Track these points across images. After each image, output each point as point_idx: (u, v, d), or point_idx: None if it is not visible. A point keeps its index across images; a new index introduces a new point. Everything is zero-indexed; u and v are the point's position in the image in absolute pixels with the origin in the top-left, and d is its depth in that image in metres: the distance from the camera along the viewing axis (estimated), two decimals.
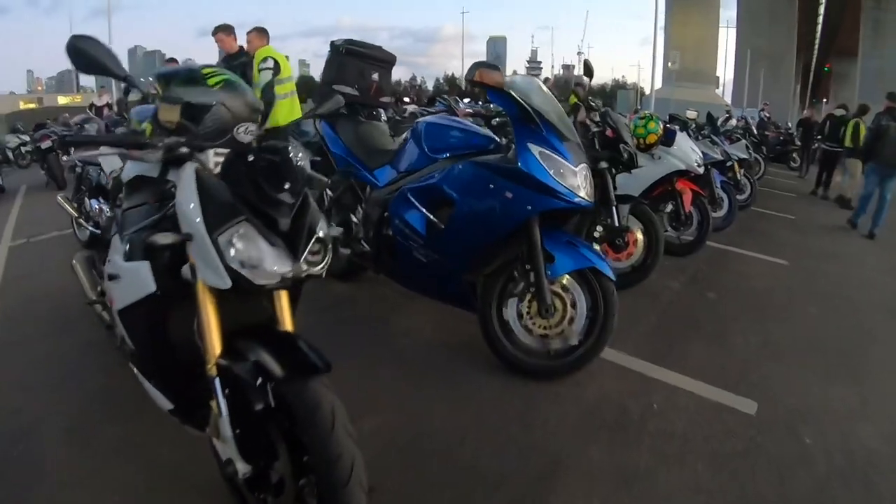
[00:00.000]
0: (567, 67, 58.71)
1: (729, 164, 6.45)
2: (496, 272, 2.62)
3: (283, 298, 1.48)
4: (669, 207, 4.69)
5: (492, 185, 2.50)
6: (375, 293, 3.52)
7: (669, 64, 17.79)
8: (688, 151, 4.53)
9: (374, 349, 2.79)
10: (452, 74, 47.23)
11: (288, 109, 5.07)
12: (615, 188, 3.83)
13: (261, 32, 5.24)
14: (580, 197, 2.43)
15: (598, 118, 3.80)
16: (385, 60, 3.97)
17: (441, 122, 2.96)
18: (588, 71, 3.77)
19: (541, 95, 2.57)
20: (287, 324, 1.48)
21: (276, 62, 4.94)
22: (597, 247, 3.84)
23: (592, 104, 3.93)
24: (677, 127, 4.69)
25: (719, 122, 8.17)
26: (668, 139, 4.54)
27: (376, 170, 3.18)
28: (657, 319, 3.37)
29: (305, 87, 8.00)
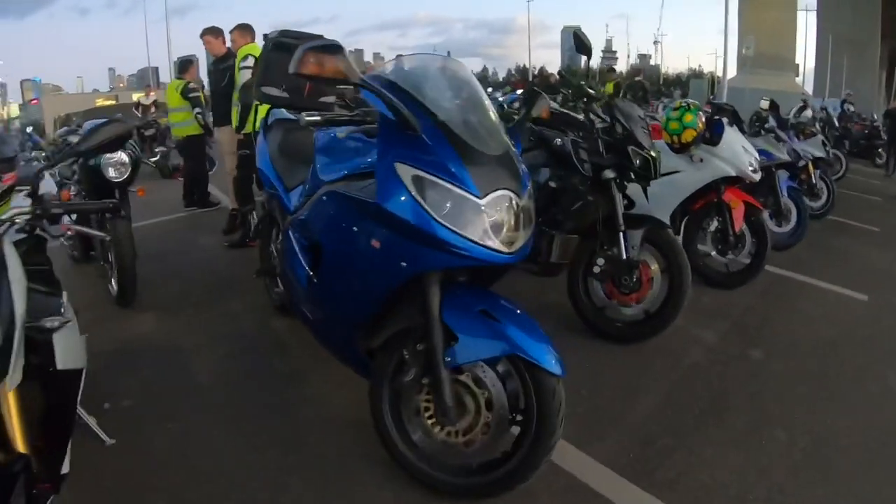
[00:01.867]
0: (643, 57, 56.20)
1: (801, 164, 5.27)
2: (385, 347, 1.81)
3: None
4: (714, 225, 3.66)
5: (355, 228, 1.71)
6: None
7: (744, 50, 16.08)
8: (738, 152, 3.49)
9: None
10: (523, 66, 46.50)
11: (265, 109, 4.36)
12: (632, 204, 2.90)
13: (244, 30, 4.71)
14: (488, 248, 1.54)
15: (602, 110, 2.87)
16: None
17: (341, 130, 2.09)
18: (582, 47, 2.82)
19: (442, 83, 1.74)
20: None
21: (256, 59, 4.31)
22: (598, 287, 2.92)
23: (591, 91, 2.98)
24: (725, 120, 3.62)
25: (791, 114, 6.84)
26: (712, 136, 3.52)
27: (291, 191, 2.43)
28: (661, 402, 2.37)
29: None
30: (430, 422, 1.76)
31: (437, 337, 1.63)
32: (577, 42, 2.81)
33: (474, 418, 1.70)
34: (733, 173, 3.49)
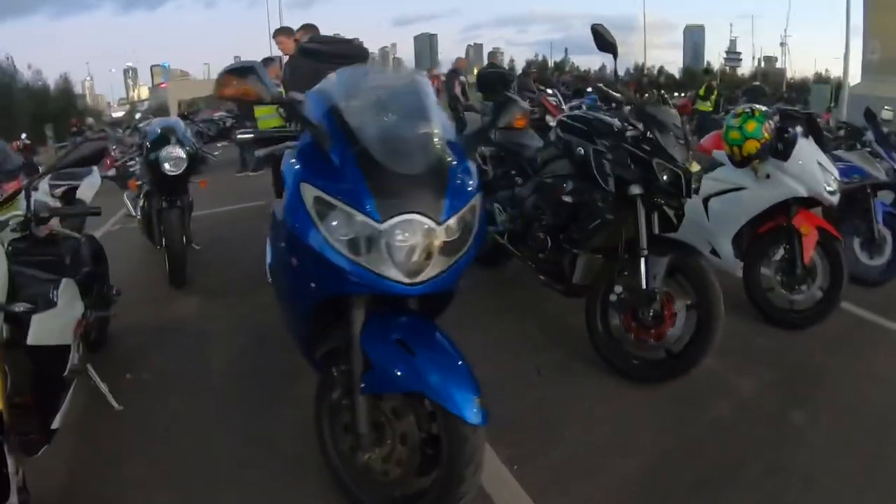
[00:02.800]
0: (768, 59, 51.94)
1: None
2: (325, 360, 1.77)
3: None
4: (781, 253, 3.12)
5: (282, 243, 1.68)
6: None
7: (869, 54, 14.26)
8: (812, 169, 2.95)
9: None
10: (642, 64, 44.84)
11: None
12: (669, 226, 2.54)
13: (307, 29, 4.82)
14: (386, 277, 1.42)
15: (633, 116, 2.50)
16: (350, 56, 3.35)
17: None
18: (604, 44, 2.46)
19: (382, 97, 1.65)
20: None
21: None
22: (615, 320, 2.57)
23: (617, 95, 2.62)
24: (798, 130, 3.07)
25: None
26: (783, 148, 2.99)
27: None
28: (654, 462, 2.03)
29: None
30: (351, 444, 1.70)
31: (355, 361, 1.56)
32: (598, 39, 2.45)
33: (391, 449, 1.63)
34: (805, 194, 2.95)
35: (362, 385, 1.55)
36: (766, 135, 2.93)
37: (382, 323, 1.58)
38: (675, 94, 12.87)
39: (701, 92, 11.31)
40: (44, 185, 2.69)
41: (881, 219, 3.75)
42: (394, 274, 1.41)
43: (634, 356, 2.54)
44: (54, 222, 2.44)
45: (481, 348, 2.82)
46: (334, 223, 1.42)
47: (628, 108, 2.56)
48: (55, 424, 1.89)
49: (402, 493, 1.68)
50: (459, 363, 1.52)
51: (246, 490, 1.98)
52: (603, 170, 2.48)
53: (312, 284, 1.56)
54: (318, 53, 3.53)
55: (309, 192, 1.46)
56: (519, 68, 44.08)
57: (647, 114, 2.44)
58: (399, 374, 1.49)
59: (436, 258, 1.44)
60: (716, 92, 11.03)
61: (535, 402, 2.42)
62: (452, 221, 1.46)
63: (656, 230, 2.52)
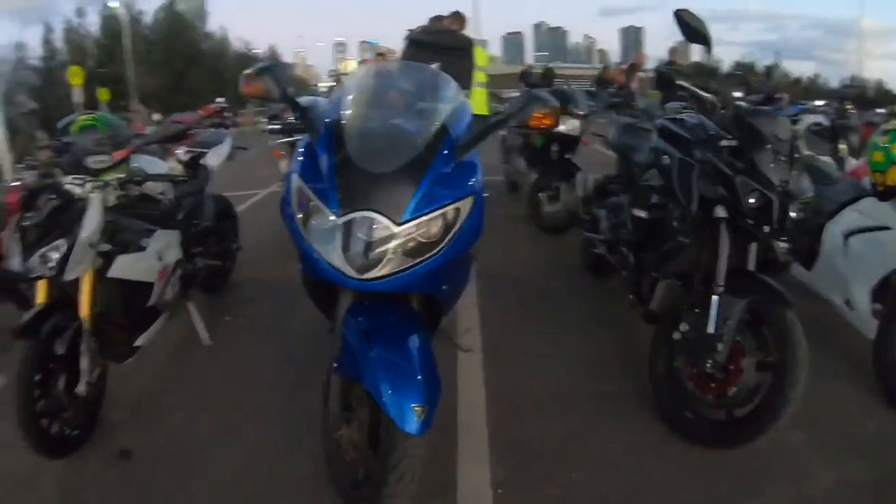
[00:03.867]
0: None
1: None
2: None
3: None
4: None
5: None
6: None
7: None
8: None
9: None
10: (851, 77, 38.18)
11: (477, 102, 4.55)
12: (769, 262, 2.22)
13: (455, 17, 4.90)
14: (335, 267, 1.47)
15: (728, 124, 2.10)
16: (453, 47, 3.52)
17: None
18: (692, 32, 2.11)
19: (386, 95, 1.75)
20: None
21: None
22: (678, 362, 2.22)
23: (707, 96, 2.20)
24: None
25: None
26: None
27: None
28: None
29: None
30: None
31: (336, 341, 1.62)
32: (684, 27, 2.09)
33: (353, 432, 1.64)
34: None
35: (335, 365, 1.61)
36: None
37: (366, 311, 1.58)
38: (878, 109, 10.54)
39: None
40: (147, 154, 3.08)
41: None
42: (344, 267, 1.45)
43: (690, 409, 2.17)
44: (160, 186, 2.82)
45: (540, 360, 2.79)
46: (306, 212, 1.54)
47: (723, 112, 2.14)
48: (138, 342, 2.38)
49: (364, 476, 1.67)
50: (414, 368, 1.48)
51: (282, 425, 2.23)
52: (686, 184, 2.15)
53: (300, 266, 1.71)
54: (421, 44, 3.70)
55: (295, 183, 1.59)
56: (726, 69, 39.81)
57: (744, 121, 2.04)
58: (354, 365, 1.51)
59: (391, 257, 1.45)
60: None
61: (562, 431, 2.23)
62: (415, 223, 1.46)
63: (751, 265, 2.13)
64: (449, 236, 1.50)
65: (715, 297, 2.03)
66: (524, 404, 2.39)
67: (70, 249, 2.03)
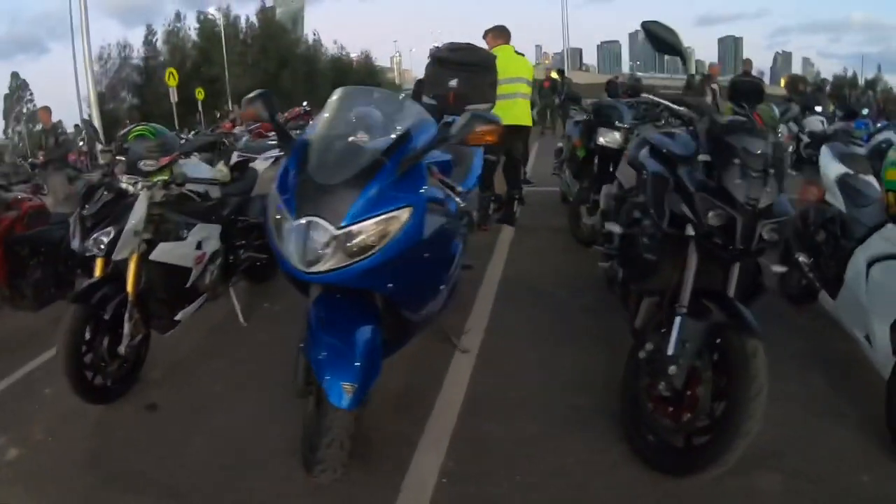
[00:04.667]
0: None
1: None
2: None
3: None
4: None
5: None
6: None
7: None
8: None
9: None
10: None
11: (505, 111, 4.66)
12: (752, 285, 2.16)
13: (497, 32, 5.07)
14: (290, 262, 1.75)
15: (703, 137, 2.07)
16: (472, 63, 3.63)
17: None
18: (659, 43, 2.10)
19: (350, 115, 1.98)
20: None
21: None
22: (643, 382, 2.16)
23: (681, 109, 2.20)
24: None
25: None
26: None
27: None
28: None
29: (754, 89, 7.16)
30: None
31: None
32: (653, 39, 2.07)
33: (312, 405, 1.88)
34: None
35: (301, 345, 1.82)
36: None
37: (327, 301, 1.85)
38: None
39: None
40: (193, 158, 3.66)
41: None
42: (296, 262, 1.71)
43: (653, 432, 2.09)
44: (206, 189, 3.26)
45: (528, 367, 2.86)
46: (275, 216, 1.81)
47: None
48: (178, 317, 2.81)
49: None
50: (354, 353, 1.70)
51: (287, 395, 2.21)
52: (659, 200, 2.10)
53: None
54: (443, 60, 3.78)
55: (272, 194, 1.87)
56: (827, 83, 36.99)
57: (714, 134, 1.97)
58: (305, 343, 1.77)
59: (332, 255, 1.69)
60: None
61: (523, 435, 2.28)
62: (353, 227, 1.69)
63: (731, 288, 2.04)
64: (385, 240, 1.71)
65: (678, 318, 1.96)
66: (498, 406, 2.48)
67: (118, 235, 2.46)
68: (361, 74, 38.30)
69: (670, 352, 1.95)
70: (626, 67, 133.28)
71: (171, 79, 19.90)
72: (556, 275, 4.21)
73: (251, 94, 2.09)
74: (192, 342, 3.15)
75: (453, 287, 2.43)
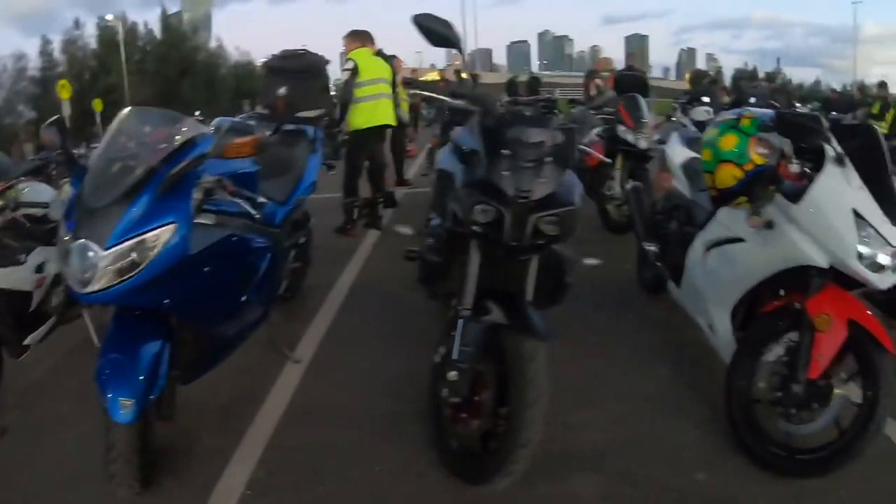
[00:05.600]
0: None
1: None
2: None
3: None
4: (779, 351, 2.03)
5: None
6: None
7: None
8: (839, 223, 1.87)
9: None
10: (862, 81, 38.08)
11: (368, 113, 4.89)
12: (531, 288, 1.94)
13: (354, 35, 5.16)
14: (70, 280, 1.81)
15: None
16: (300, 70, 3.67)
17: None
18: (434, 36, 1.90)
19: (120, 135, 1.98)
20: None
21: (355, 64, 4.84)
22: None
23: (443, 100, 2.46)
24: (831, 152, 1.93)
25: None
26: (793, 185, 1.96)
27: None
28: None
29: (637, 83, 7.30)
30: None
31: None
32: (426, 33, 1.85)
33: None
34: (821, 263, 1.90)
35: None
36: (754, 157, 1.95)
37: (120, 320, 1.91)
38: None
39: (874, 110, 8.93)
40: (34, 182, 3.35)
41: None
42: (73, 283, 1.75)
43: (455, 437, 1.97)
44: None
45: (357, 376, 2.76)
46: (64, 239, 1.79)
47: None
48: (27, 342, 2.60)
49: None
50: (136, 369, 1.76)
51: None
52: (441, 198, 2.01)
53: None
54: (273, 69, 3.89)
55: (62, 218, 1.88)
56: (728, 77, 39.58)
57: (486, 126, 1.83)
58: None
59: (102, 275, 1.71)
60: (893, 110, 8.58)
61: (336, 444, 2.21)
62: (119, 247, 1.71)
63: (529, 286, 1.88)
64: (149, 257, 1.73)
65: (460, 322, 1.82)
66: (318, 415, 2.42)
67: None
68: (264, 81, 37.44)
69: (454, 356, 1.82)
70: (535, 67, 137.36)
71: (64, 91, 19.03)
72: (412, 279, 3.96)
73: (49, 121, 2.17)
74: (47, 365, 2.99)
75: (273, 298, 2.61)
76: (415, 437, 2.16)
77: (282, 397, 2.51)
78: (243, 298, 2.22)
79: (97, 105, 23.10)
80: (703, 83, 9.36)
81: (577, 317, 3.06)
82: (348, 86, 4.78)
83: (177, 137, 1.92)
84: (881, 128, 8.71)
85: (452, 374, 1.78)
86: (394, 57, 7.37)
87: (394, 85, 5.34)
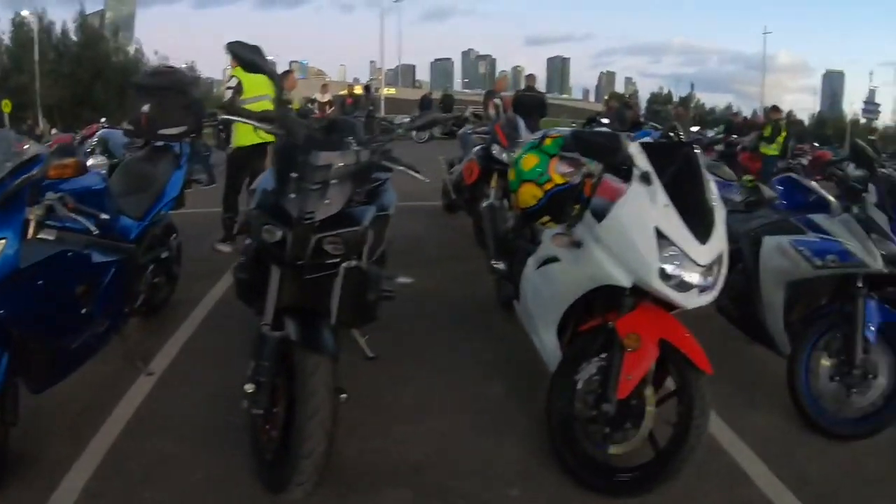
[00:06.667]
0: None
1: None
2: None
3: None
4: (592, 370, 2.07)
5: None
6: None
7: None
8: (640, 240, 1.94)
9: None
10: (772, 106, 40.77)
11: (251, 131, 4.60)
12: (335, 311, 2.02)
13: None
14: None
15: None
16: (164, 87, 3.60)
17: None
18: (246, 63, 2.12)
19: None
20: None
21: (239, 82, 4.82)
22: None
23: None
24: (637, 170, 2.02)
25: None
26: (602, 204, 2.08)
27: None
28: None
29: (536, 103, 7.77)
30: None
31: None
32: (240, 59, 2.06)
33: None
34: (623, 282, 1.99)
35: None
36: (554, 177, 2.04)
37: None
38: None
39: (766, 132, 9.66)
40: None
41: (874, 331, 2.39)
42: None
43: (264, 447, 2.04)
44: None
45: (203, 387, 2.75)
46: None
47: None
48: None
49: None
50: None
51: None
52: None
53: None
54: (139, 86, 3.84)
55: None
56: (643, 100, 41.73)
57: (283, 150, 1.93)
58: None
59: None
60: (784, 133, 9.33)
61: (169, 452, 2.25)
62: None
63: (332, 306, 1.93)
64: None
65: (261, 337, 1.90)
66: (159, 425, 2.44)
67: None
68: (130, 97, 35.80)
69: (251, 370, 1.90)
70: (458, 84, 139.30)
71: None
72: None
73: None
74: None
75: (121, 312, 2.65)
76: (243, 446, 2.16)
77: (129, 408, 2.54)
78: (83, 311, 2.25)
79: (6, 106, 22.30)
80: (616, 106, 9.87)
81: (428, 333, 3.16)
82: (232, 103, 4.78)
83: (7, 164, 1.94)
84: (772, 149, 9.43)
85: (249, 387, 1.84)
86: (287, 72, 7.37)
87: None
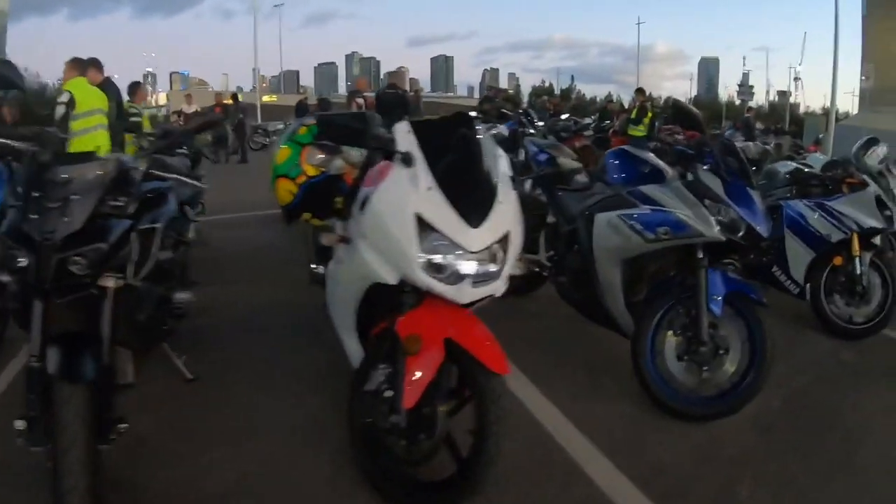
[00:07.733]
0: (782, 94, 50.23)
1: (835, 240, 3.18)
2: None
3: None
4: (380, 378, 1.77)
5: None
6: None
7: (863, 79, 13.02)
8: (396, 231, 1.64)
9: None
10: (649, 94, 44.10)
11: (84, 147, 4.40)
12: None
13: (74, 64, 4.99)
14: None
15: None
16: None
17: None
18: None
19: None
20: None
21: (71, 96, 4.64)
22: None
23: None
24: (398, 153, 1.74)
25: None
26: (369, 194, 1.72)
27: None
28: None
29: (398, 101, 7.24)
30: None
31: None
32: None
33: None
34: (391, 280, 1.70)
35: None
36: (306, 169, 1.70)
37: None
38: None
39: (633, 114, 10.01)
40: None
41: (720, 305, 2.29)
42: None
43: None
44: None
45: None
46: None
47: None
48: None
49: None
50: None
51: None
52: None
53: None
54: None
55: None
56: (525, 94, 43.12)
57: (28, 167, 1.74)
58: None
59: None
60: (650, 114, 9.68)
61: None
62: None
63: (103, 329, 1.74)
64: None
65: (29, 369, 1.69)
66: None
67: None
68: (53, 102, 32.75)
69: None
70: (342, 88, 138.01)
71: None
72: None
73: None
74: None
75: None
76: (135, 451, 2.06)
77: None
78: None
79: None
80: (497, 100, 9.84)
81: (255, 348, 2.93)
82: (64, 119, 4.59)
83: None
84: (639, 131, 9.67)
85: (20, 423, 1.65)
86: (137, 83, 7.09)
87: (121, 114, 5.32)
